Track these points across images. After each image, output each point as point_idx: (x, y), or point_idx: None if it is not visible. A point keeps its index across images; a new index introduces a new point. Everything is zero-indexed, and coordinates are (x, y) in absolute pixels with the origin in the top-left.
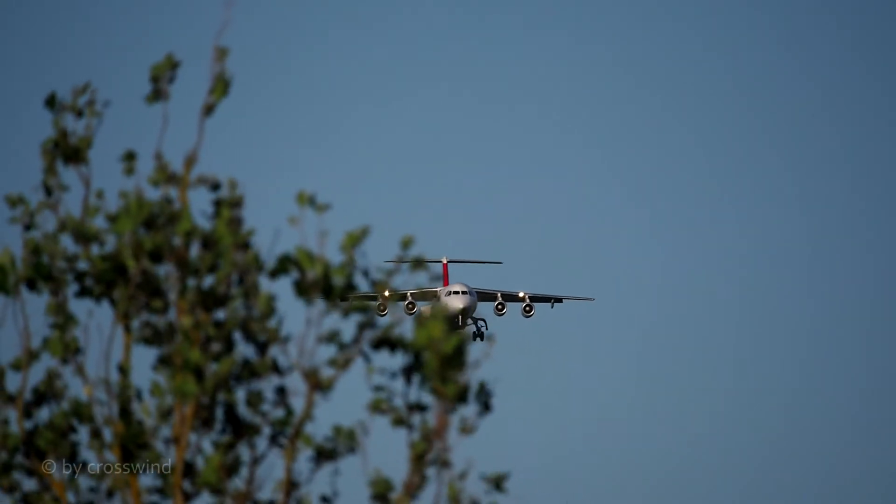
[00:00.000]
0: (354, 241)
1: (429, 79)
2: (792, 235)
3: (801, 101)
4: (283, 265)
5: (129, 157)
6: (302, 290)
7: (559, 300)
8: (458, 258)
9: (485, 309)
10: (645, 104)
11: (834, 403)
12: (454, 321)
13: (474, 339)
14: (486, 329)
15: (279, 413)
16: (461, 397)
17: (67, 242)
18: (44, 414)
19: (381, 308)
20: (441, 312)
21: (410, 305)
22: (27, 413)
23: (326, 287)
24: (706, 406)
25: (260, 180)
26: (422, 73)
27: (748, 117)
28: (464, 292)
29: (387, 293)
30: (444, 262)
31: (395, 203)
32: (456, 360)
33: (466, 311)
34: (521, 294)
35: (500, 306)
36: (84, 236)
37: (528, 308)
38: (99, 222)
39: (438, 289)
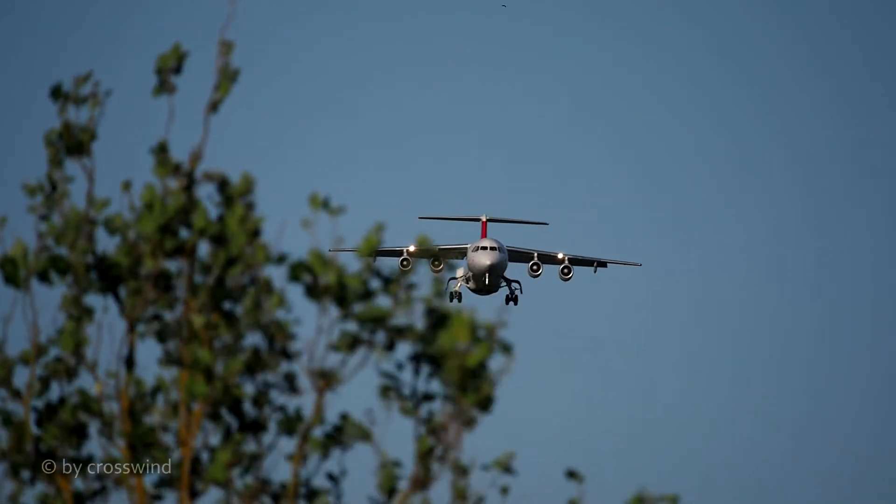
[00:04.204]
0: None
1: (456, 57)
2: (823, 212)
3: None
4: (297, 272)
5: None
6: (314, 294)
7: (603, 264)
8: (501, 217)
9: (520, 270)
10: (698, 72)
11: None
12: (481, 279)
13: (507, 304)
14: (521, 292)
15: (287, 402)
16: (481, 406)
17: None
18: (52, 396)
19: (405, 264)
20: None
21: (437, 262)
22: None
23: (340, 294)
24: (756, 382)
25: (263, 174)
26: (447, 53)
27: (796, 85)
28: (492, 248)
29: (412, 248)
30: (483, 220)
31: (438, 164)
32: (479, 371)
33: (494, 269)
34: (559, 255)
35: (535, 266)
36: (111, 229)
37: (566, 270)
38: (112, 211)
39: (468, 245)
